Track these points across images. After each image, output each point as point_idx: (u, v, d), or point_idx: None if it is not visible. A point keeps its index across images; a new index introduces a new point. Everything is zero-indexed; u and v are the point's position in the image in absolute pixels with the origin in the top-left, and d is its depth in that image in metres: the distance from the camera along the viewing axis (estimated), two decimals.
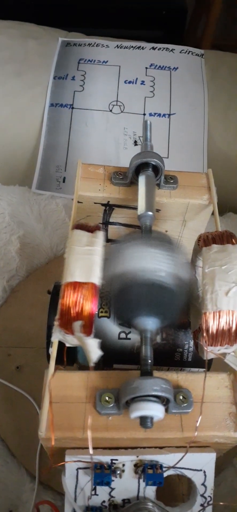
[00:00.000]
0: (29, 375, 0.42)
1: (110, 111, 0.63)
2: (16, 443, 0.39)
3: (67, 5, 0.98)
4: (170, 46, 0.71)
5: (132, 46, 0.70)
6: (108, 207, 0.40)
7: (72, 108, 0.62)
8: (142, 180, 0.37)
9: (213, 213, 0.38)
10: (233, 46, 1.49)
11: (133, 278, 0.28)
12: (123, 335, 0.34)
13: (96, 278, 0.28)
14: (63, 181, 0.58)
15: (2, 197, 0.52)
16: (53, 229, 0.52)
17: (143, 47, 0.70)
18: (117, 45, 0.70)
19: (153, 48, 0.70)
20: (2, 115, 0.62)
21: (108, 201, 0.39)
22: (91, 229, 0.30)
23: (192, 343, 0.34)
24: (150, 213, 0.34)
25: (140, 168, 0.38)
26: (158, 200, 0.38)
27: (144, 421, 0.25)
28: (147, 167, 0.37)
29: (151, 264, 0.29)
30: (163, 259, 0.29)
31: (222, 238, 0.30)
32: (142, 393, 0.25)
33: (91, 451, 0.25)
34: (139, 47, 0.70)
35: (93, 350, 0.26)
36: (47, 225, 0.52)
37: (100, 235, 0.30)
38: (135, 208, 0.38)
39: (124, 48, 0.70)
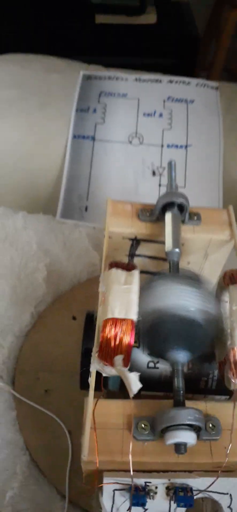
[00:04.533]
0: (57, 398, 0.44)
1: (130, 142, 0.66)
2: (46, 463, 0.41)
3: (84, 34, 1.03)
4: (186, 79, 0.74)
5: (150, 79, 0.74)
6: (135, 241, 0.43)
7: (94, 140, 0.66)
8: (168, 218, 0.39)
9: (234, 247, 0.41)
10: None
11: (164, 314, 0.31)
12: (151, 365, 0.36)
13: (134, 315, 0.30)
14: (86, 210, 0.61)
15: (29, 226, 0.56)
16: (77, 257, 0.55)
17: (160, 80, 0.74)
18: (136, 78, 0.74)
19: (170, 81, 0.73)
20: (27, 145, 0.66)
21: (136, 236, 0.42)
22: (128, 268, 0.33)
23: (216, 372, 0.36)
24: (177, 250, 0.37)
25: (166, 206, 0.40)
26: (182, 236, 0.41)
27: (178, 448, 0.28)
28: (172, 206, 0.40)
29: (181, 300, 0.31)
30: (192, 295, 0.32)
31: None
32: (177, 422, 0.27)
33: (131, 473, 0.28)
34: (156, 80, 0.74)
35: (134, 382, 0.29)
36: (72, 253, 0.55)
37: (136, 274, 0.32)
38: (160, 243, 0.40)
39: (142, 81, 0.73)
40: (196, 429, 0.29)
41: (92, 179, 0.63)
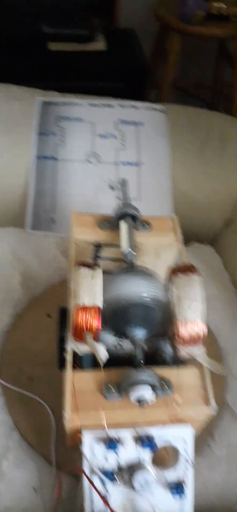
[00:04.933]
0: (39, 384, 0.51)
1: (88, 161, 0.74)
2: (34, 438, 0.47)
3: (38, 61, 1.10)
4: (136, 103, 0.84)
5: (103, 104, 0.82)
6: (98, 247, 0.51)
7: (56, 159, 0.73)
8: (124, 226, 0.48)
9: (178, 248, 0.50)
10: (190, 86, 1.68)
11: (123, 301, 0.40)
12: (117, 346, 0.44)
13: (99, 302, 0.38)
14: (52, 222, 0.69)
15: (1, 239, 0.62)
16: (48, 263, 0.62)
17: (112, 105, 0.83)
18: (89, 103, 0.82)
19: (121, 106, 0.83)
20: None
21: (98, 242, 0.50)
22: (92, 267, 0.41)
23: (170, 348, 0.45)
24: (131, 251, 0.46)
25: (121, 216, 0.49)
26: (136, 240, 0.49)
27: (141, 401, 0.36)
28: (126, 216, 0.49)
29: (136, 289, 0.40)
30: (144, 285, 0.40)
31: (185, 269, 0.42)
32: (137, 381, 0.36)
33: (105, 424, 0.35)
34: (108, 105, 0.83)
35: (102, 352, 0.36)
36: (43, 260, 0.62)
37: (99, 271, 0.40)
38: (119, 247, 0.49)
39: (96, 106, 0.82)
40: (152, 387, 0.37)
41: (57, 194, 0.70)
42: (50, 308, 0.58)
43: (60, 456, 0.46)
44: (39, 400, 0.49)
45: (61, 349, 0.46)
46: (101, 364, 0.37)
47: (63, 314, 0.47)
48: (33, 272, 0.61)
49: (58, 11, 1.13)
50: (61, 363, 0.47)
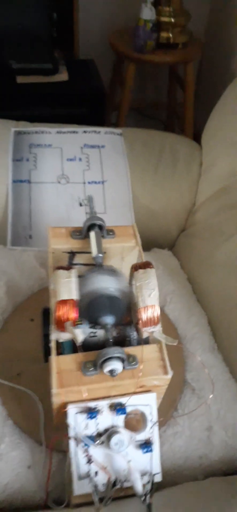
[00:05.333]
0: (27, 377, 0.58)
1: (59, 182, 0.83)
2: (25, 424, 0.55)
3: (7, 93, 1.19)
4: (97, 129, 0.94)
5: (69, 131, 0.92)
6: (71, 254, 0.60)
7: (30, 182, 0.82)
8: (92, 234, 0.58)
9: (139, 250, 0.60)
10: (147, 107, 1.82)
11: (95, 294, 0.49)
12: (92, 335, 0.53)
13: (75, 296, 0.47)
14: (30, 238, 0.77)
15: None
16: (28, 274, 0.70)
17: (77, 131, 0.93)
18: (57, 131, 0.92)
19: (85, 132, 0.93)
20: None
21: (71, 250, 0.59)
22: (67, 269, 0.50)
23: (135, 332, 0.54)
24: (100, 254, 0.55)
25: (90, 227, 0.59)
26: (103, 246, 0.59)
27: (112, 372, 0.45)
28: (94, 226, 0.58)
29: (105, 284, 0.49)
30: (111, 280, 0.50)
31: (144, 265, 0.52)
32: (108, 355, 0.45)
33: (85, 394, 0.44)
34: (74, 132, 0.93)
35: (79, 335, 0.45)
36: (23, 272, 0.70)
37: (73, 271, 0.49)
38: (89, 253, 0.58)
39: (63, 133, 0.92)
40: (121, 360, 0.46)
41: (33, 213, 0.79)
42: (32, 313, 0.66)
43: (49, 438, 0.54)
44: (28, 391, 0.57)
45: (46, 344, 0.55)
46: (79, 344, 0.46)
47: (46, 313, 0.56)
48: (16, 283, 0.69)
49: (23, 46, 1.23)
50: (47, 356, 0.55)
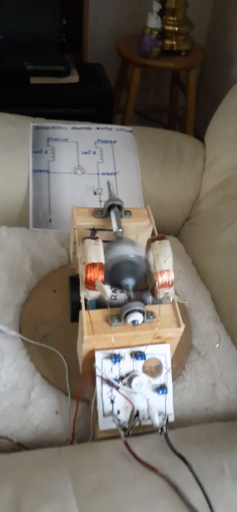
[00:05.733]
0: (52, 338, 0.66)
1: (75, 173, 0.92)
2: (52, 377, 0.63)
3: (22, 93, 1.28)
4: (109, 126, 1.03)
5: (83, 127, 1.01)
6: (93, 230, 0.68)
7: (49, 172, 0.90)
8: (113, 213, 0.66)
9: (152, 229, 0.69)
10: (149, 111, 1.91)
11: (117, 260, 0.57)
12: (113, 298, 0.61)
13: (102, 260, 0.55)
14: (50, 221, 0.85)
15: (11, 235, 0.78)
16: (50, 252, 0.78)
17: (90, 128, 1.01)
18: (72, 127, 1.00)
19: (98, 128, 1.01)
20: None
21: (93, 227, 0.67)
22: (94, 239, 0.58)
23: (150, 297, 0.62)
24: (120, 229, 0.63)
25: (110, 207, 0.67)
26: (122, 224, 0.67)
27: (134, 322, 0.53)
28: (114, 206, 0.67)
29: (126, 251, 0.58)
30: (130, 248, 0.58)
31: (159, 238, 0.60)
32: (131, 309, 0.53)
33: (112, 340, 0.52)
34: (88, 128, 1.01)
35: (108, 290, 0.53)
36: (46, 250, 0.78)
37: (100, 240, 0.57)
38: (109, 230, 0.66)
39: (78, 129, 1.00)
40: (142, 312, 0.54)
41: (51, 200, 0.87)
42: (55, 285, 0.74)
43: (73, 388, 0.62)
44: (53, 349, 0.65)
45: (72, 306, 0.63)
46: (108, 298, 0.54)
47: (72, 280, 0.64)
48: (39, 259, 0.76)
49: (37, 49, 1.32)
50: (73, 317, 0.63)
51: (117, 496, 0.45)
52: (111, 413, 0.55)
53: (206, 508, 0.43)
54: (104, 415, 0.55)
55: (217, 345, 0.68)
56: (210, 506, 0.43)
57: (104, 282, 0.57)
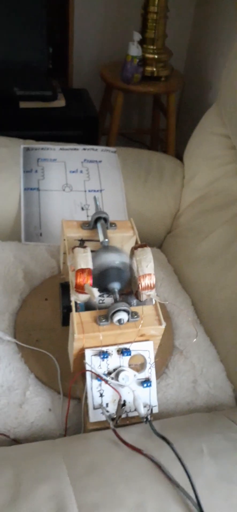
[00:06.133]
0: (45, 342, 0.71)
1: (64, 190, 0.98)
2: (45, 377, 0.67)
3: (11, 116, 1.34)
4: (95, 147, 1.10)
5: (70, 148, 1.08)
6: (82, 241, 0.74)
7: (39, 190, 0.96)
8: (99, 225, 0.72)
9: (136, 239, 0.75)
10: (133, 133, 2.00)
11: (104, 266, 0.63)
12: (101, 301, 0.67)
13: (90, 265, 0.61)
14: (41, 235, 0.91)
15: (4, 248, 0.83)
16: (41, 264, 0.84)
17: (77, 149, 1.08)
18: (60, 148, 1.07)
19: (84, 149, 1.08)
20: None
21: (82, 238, 0.73)
22: (83, 247, 0.64)
23: (134, 300, 0.68)
24: (106, 239, 0.70)
25: (97, 220, 0.73)
26: (107, 235, 0.73)
27: (120, 321, 0.59)
28: (100, 219, 0.73)
29: (112, 258, 0.64)
30: (116, 255, 0.64)
31: (141, 245, 0.67)
32: (116, 308, 0.59)
33: (101, 337, 0.58)
34: (75, 149, 1.08)
35: (95, 292, 0.59)
36: (37, 262, 0.84)
37: (88, 248, 0.63)
38: (96, 241, 0.72)
39: (65, 150, 1.07)
40: (127, 312, 0.60)
41: (42, 215, 0.93)
42: (46, 294, 0.79)
43: (65, 387, 0.67)
44: (46, 352, 0.70)
45: (63, 311, 0.68)
46: (95, 299, 0.60)
47: (63, 287, 0.69)
48: (31, 270, 0.82)
49: (25, 75, 1.39)
50: (64, 321, 0.69)
51: (108, 475, 0.50)
52: (101, 406, 0.60)
53: (186, 482, 0.48)
54: (94, 408, 0.60)
55: (195, 340, 0.75)
56: (190, 480, 0.48)
57: (92, 286, 0.63)
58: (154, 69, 1.58)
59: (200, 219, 0.99)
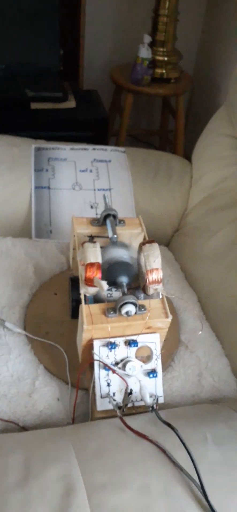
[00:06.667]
0: (54, 335, 0.73)
1: (73, 189, 1.01)
2: (54, 368, 0.70)
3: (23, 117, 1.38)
4: (104, 147, 1.12)
5: (80, 148, 1.10)
6: (91, 237, 0.76)
7: (49, 188, 0.99)
8: (108, 221, 0.74)
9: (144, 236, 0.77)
10: (142, 134, 2.02)
11: (112, 260, 0.65)
12: (109, 295, 0.69)
13: (99, 259, 0.63)
14: (50, 232, 0.94)
15: (16, 244, 0.86)
16: (51, 259, 0.86)
17: (87, 149, 1.10)
18: (71, 148, 1.10)
19: (94, 149, 1.11)
20: (4, 195, 0.96)
21: (91, 234, 0.75)
22: (93, 242, 0.66)
23: (142, 294, 0.70)
24: (115, 235, 0.72)
25: (106, 216, 0.75)
26: (116, 231, 0.75)
27: (128, 313, 0.61)
28: (109, 216, 0.75)
29: (120, 253, 0.66)
30: (124, 251, 0.67)
31: (149, 241, 0.69)
32: (124, 301, 0.61)
33: (109, 329, 0.60)
34: (85, 149, 1.10)
35: (104, 285, 0.61)
36: (47, 257, 0.86)
37: (97, 243, 0.66)
38: (105, 237, 0.75)
39: (75, 149, 1.09)
40: (134, 305, 0.62)
41: (52, 213, 0.95)
42: (55, 288, 0.82)
43: (73, 378, 0.69)
44: (55, 344, 0.72)
45: (72, 304, 0.71)
46: (105, 291, 0.62)
47: (72, 281, 0.72)
48: (41, 266, 0.84)
49: (37, 77, 1.42)
50: (73, 314, 0.71)
51: (114, 459, 0.52)
52: (108, 395, 0.62)
53: (190, 466, 0.50)
54: (101, 396, 0.62)
55: (200, 332, 0.76)
56: (194, 464, 0.50)
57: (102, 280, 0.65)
58: (164, 71, 1.60)
59: (207, 218, 1.00)
